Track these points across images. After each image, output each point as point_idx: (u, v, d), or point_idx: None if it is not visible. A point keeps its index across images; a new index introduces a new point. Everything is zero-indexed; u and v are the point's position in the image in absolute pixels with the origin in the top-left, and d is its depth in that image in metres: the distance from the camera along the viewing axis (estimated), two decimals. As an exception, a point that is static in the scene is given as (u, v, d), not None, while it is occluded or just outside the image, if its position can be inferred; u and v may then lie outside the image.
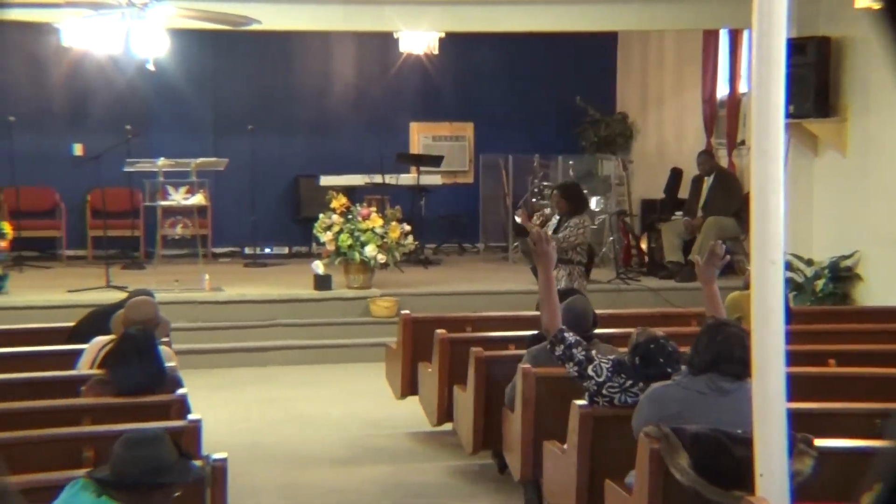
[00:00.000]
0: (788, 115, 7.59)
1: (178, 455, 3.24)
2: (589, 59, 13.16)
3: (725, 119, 11.14)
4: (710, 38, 11.22)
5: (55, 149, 11.85)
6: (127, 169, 9.68)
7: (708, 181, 10.58)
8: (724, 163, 10.98)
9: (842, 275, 8.91)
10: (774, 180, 3.23)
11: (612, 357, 4.59)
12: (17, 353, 5.65)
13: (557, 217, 7.63)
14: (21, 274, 10.23)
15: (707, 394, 3.95)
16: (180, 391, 4.58)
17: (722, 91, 11.25)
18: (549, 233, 7.43)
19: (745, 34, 10.33)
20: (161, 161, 9.56)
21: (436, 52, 11.05)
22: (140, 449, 3.15)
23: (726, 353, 3.96)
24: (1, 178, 11.05)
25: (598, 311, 5.59)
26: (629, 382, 4.41)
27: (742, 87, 10.83)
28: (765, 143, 3.23)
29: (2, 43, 11.75)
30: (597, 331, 5.37)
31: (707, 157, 10.71)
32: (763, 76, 3.22)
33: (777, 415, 3.30)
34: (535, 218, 7.90)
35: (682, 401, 3.98)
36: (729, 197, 10.30)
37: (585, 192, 8.25)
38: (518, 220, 8.09)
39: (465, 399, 5.91)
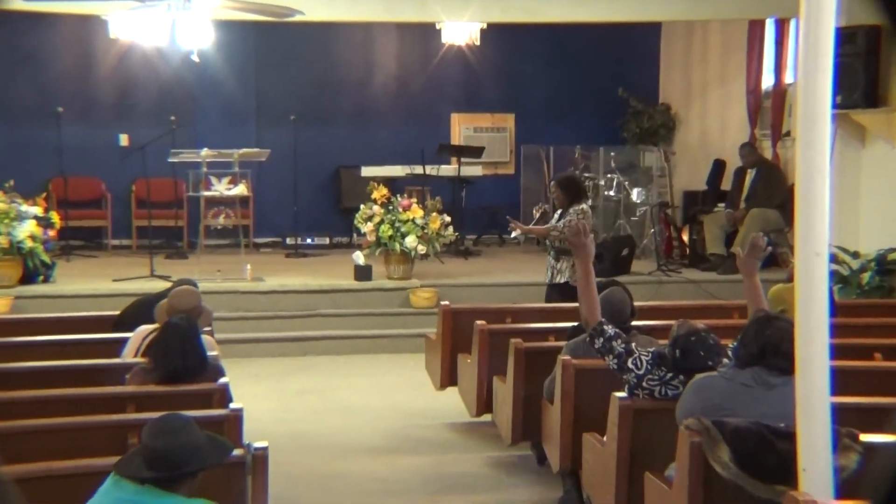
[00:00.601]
0: (836, 106, 7.50)
1: (206, 435, 3.26)
2: (632, 50, 13.07)
3: (770, 110, 11.01)
4: (756, 27, 11.09)
5: (102, 139, 12.00)
6: (171, 159, 9.78)
7: (751, 173, 10.48)
8: (768, 154, 10.86)
9: (889, 267, 8.77)
10: (820, 172, 3.18)
11: (651, 349, 4.56)
12: (65, 341, 5.74)
13: (559, 211, 7.59)
14: (68, 263, 10.39)
15: (752, 387, 3.92)
16: (222, 380, 4.62)
17: (767, 82, 11.11)
18: (552, 223, 7.49)
19: (793, 23, 10.19)
20: (204, 152, 9.64)
21: (478, 42, 11.04)
22: (172, 438, 3.15)
23: (774, 346, 3.92)
24: (49, 169, 11.21)
25: (638, 303, 5.57)
26: (669, 375, 4.38)
27: (788, 78, 10.69)
28: (810, 134, 3.18)
29: (51, 35, 11.91)
30: (637, 323, 5.35)
31: (751, 148, 10.60)
32: (810, 66, 3.18)
33: (821, 409, 3.27)
34: (534, 212, 7.86)
35: (725, 392, 3.95)
36: (773, 189, 10.19)
37: (587, 183, 8.24)
38: (514, 234, 8.07)
39: (504, 390, 5.91)
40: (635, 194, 11.32)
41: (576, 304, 4.76)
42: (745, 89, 11.30)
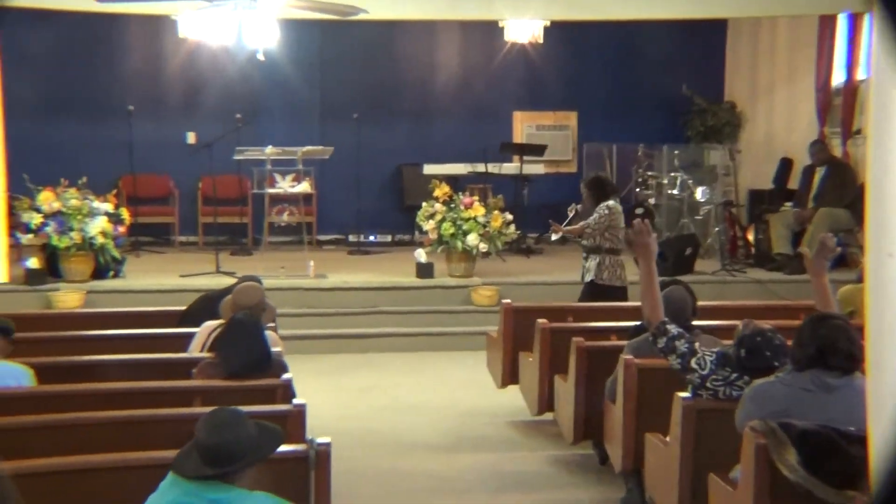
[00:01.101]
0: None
1: (256, 424, 3.24)
2: (696, 47, 12.92)
3: (840, 107, 10.80)
4: (827, 23, 10.87)
5: (170, 137, 12.21)
6: (236, 157, 9.91)
7: (820, 171, 10.30)
8: (837, 152, 10.66)
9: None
10: (892, 170, 3.11)
11: (715, 349, 4.50)
12: (133, 335, 5.86)
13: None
14: (137, 259, 10.60)
15: (813, 391, 3.84)
16: (286, 376, 4.67)
17: (838, 78, 10.90)
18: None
19: (867, 18, 9.98)
20: (269, 149, 9.75)
21: (541, 40, 10.99)
22: (227, 432, 3.14)
23: (830, 345, 3.84)
24: (120, 166, 11.44)
25: (701, 303, 5.51)
26: (734, 375, 4.32)
27: (860, 74, 10.47)
28: (883, 131, 3.11)
29: (123, 36, 12.16)
30: (700, 323, 5.29)
31: (820, 146, 10.41)
32: (884, 62, 3.10)
33: (893, 413, 3.19)
34: (568, 211, 7.84)
35: (787, 398, 3.87)
36: (843, 187, 10.00)
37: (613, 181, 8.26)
38: (553, 237, 8.03)
39: (565, 389, 5.89)
40: (699, 193, 11.19)
41: (638, 303, 4.71)
42: (815, 86, 11.09)
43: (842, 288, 6.00)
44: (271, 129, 11.91)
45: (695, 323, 5.17)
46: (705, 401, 4.38)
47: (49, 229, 8.90)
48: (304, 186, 9.99)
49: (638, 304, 4.74)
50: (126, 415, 4.17)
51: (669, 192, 11.58)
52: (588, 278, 7.45)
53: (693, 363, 4.41)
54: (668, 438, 4.63)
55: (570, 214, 7.85)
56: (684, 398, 4.43)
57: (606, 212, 7.38)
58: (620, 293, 7.43)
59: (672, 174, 11.59)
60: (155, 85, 12.34)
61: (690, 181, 11.38)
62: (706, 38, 12.87)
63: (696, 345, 4.50)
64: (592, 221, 7.40)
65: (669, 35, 12.36)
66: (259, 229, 11.13)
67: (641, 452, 4.97)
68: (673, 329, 4.52)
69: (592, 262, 7.43)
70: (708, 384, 4.37)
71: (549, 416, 6.37)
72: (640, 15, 9.94)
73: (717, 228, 10.89)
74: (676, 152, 11.80)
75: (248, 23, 8.19)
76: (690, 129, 12.98)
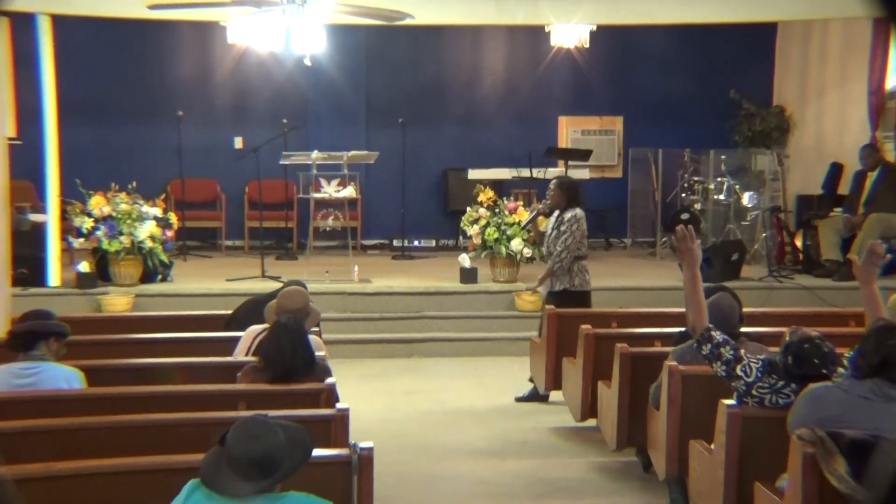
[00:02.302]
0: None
1: (283, 432, 3.14)
2: (745, 51, 12.79)
3: (894, 111, 10.63)
4: (881, 26, 10.70)
5: (218, 142, 12.35)
6: (282, 162, 9.99)
7: (872, 176, 10.13)
8: (890, 157, 10.49)
9: None
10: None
11: (762, 356, 4.45)
12: (180, 339, 5.93)
13: (556, 213, 7.43)
14: (185, 263, 10.72)
15: (871, 399, 3.78)
16: (329, 380, 4.69)
17: (892, 82, 10.72)
18: (548, 226, 7.36)
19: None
20: (315, 154, 9.81)
21: (587, 45, 10.96)
22: (261, 443, 3.05)
23: (895, 358, 3.79)
24: (169, 170, 11.59)
25: (748, 310, 5.45)
26: (781, 383, 4.27)
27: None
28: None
29: (173, 42, 12.33)
30: (747, 329, 5.24)
31: (872, 150, 10.25)
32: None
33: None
34: (531, 210, 7.73)
35: (842, 403, 3.82)
36: (895, 192, 9.83)
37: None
38: (541, 290, 7.71)
39: (609, 395, 5.86)
40: (746, 198, 11.08)
41: (683, 310, 4.67)
42: (868, 90, 10.93)
43: (892, 296, 5.89)
44: (317, 134, 12.01)
45: (742, 330, 5.12)
46: (751, 408, 4.33)
47: (100, 233, 9.04)
48: (350, 191, 10.05)
49: (682, 309, 4.70)
50: (172, 417, 4.21)
51: (716, 197, 11.48)
52: (560, 287, 7.31)
53: (738, 370, 4.37)
54: (712, 446, 4.58)
55: (532, 214, 7.75)
56: (729, 405, 4.38)
57: (576, 225, 7.27)
58: (588, 297, 7.43)
59: (718, 179, 11.49)
60: (204, 90, 12.49)
61: (737, 186, 11.28)
62: (755, 41, 12.74)
63: (742, 352, 4.46)
64: (569, 242, 7.20)
65: (717, 38, 12.25)
66: (304, 234, 11.22)
67: (685, 460, 4.93)
68: (718, 336, 4.48)
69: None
70: (754, 391, 4.32)
71: (592, 422, 6.34)
72: (688, 19, 9.85)
73: (764, 234, 10.76)
74: (723, 157, 11.69)
75: (295, 28, 8.27)
76: (738, 133, 12.86)
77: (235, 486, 3.03)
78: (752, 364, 4.36)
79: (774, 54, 13.15)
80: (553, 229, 7.34)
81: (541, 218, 7.72)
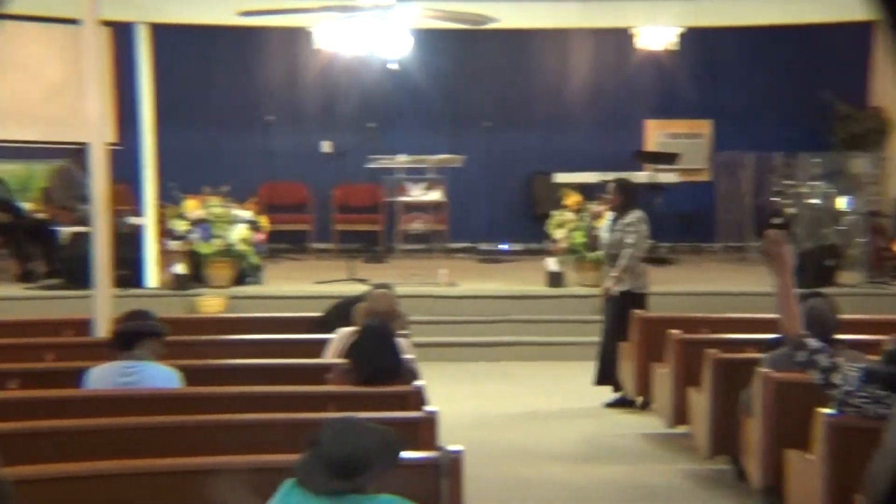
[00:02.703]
0: None
1: (377, 434, 3.14)
2: (840, 52, 12.46)
3: None
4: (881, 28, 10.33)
5: (306, 146, 12.52)
6: (369, 165, 10.09)
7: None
8: None
9: None
10: None
11: (861, 365, 4.33)
12: (271, 340, 6.03)
13: (613, 215, 7.33)
14: (275, 265, 10.90)
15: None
16: (417, 382, 4.71)
17: None
18: (603, 229, 7.20)
19: None
20: (401, 158, 9.89)
21: (674, 47, 10.82)
22: (356, 442, 3.06)
23: None
24: (259, 174, 11.80)
25: (845, 316, 5.31)
26: (883, 392, 4.15)
27: None
28: None
29: (263, 48, 12.56)
30: (843, 336, 5.11)
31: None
32: None
33: None
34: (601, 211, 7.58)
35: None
36: None
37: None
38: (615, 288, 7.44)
39: (700, 402, 5.77)
40: (842, 202, 10.80)
41: (776, 315, 4.58)
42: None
43: None
44: (404, 138, 12.10)
45: (838, 337, 4.99)
46: (851, 418, 4.22)
47: (194, 236, 9.25)
48: (436, 195, 10.11)
49: (774, 315, 4.61)
50: (263, 418, 4.29)
51: (809, 201, 11.22)
52: (623, 288, 7.23)
53: (836, 378, 4.26)
54: (809, 456, 4.48)
55: (606, 216, 7.51)
56: (828, 415, 4.28)
57: (644, 226, 7.23)
58: (647, 300, 7.39)
59: (812, 183, 11.23)
60: (292, 95, 12.69)
61: (832, 190, 11.00)
62: (850, 41, 12.40)
63: (839, 360, 4.35)
64: (637, 240, 7.18)
65: (809, 38, 11.97)
66: (391, 237, 11.30)
67: (780, 469, 4.83)
68: (813, 343, 4.38)
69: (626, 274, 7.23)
70: (852, 400, 4.21)
71: (682, 428, 6.26)
72: (778, 20, 9.66)
73: (861, 239, 10.48)
74: (817, 160, 11.42)
75: (381, 33, 8.35)
76: (833, 136, 12.54)
77: (328, 484, 3.06)
78: (850, 372, 4.25)
79: (870, 54, 12.79)
80: (616, 231, 7.25)
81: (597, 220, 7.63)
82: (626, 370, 7.06)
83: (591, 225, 7.40)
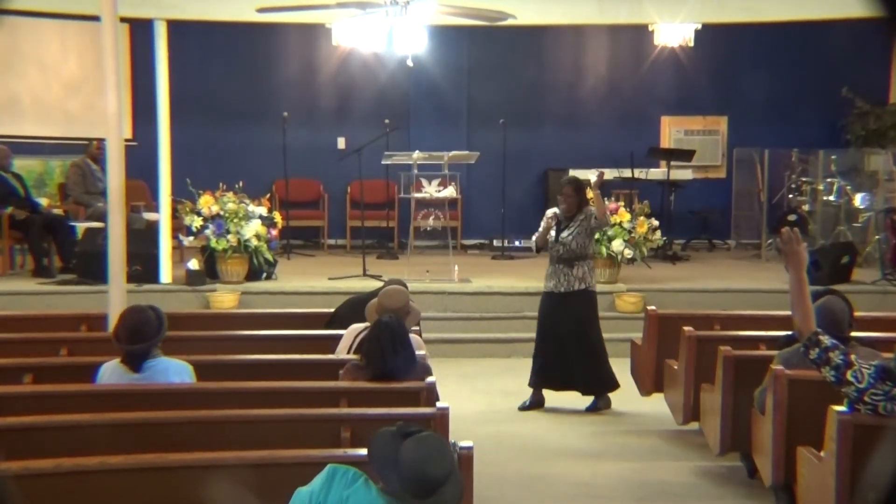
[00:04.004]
0: None
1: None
2: (858, 48, 12.38)
3: None
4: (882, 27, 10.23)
5: (322, 142, 12.55)
6: (384, 162, 10.09)
7: None
8: None
9: None
10: None
11: (874, 363, 4.31)
12: (284, 336, 6.05)
13: (559, 212, 7.19)
14: (289, 261, 10.93)
15: None
16: (430, 379, 4.71)
17: None
18: (556, 231, 7.08)
19: None
20: (416, 154, 9.89)
21: (691, 43, 10.78)
22: (443, 467, 2.87)
23: None
24: (274, 170, 11.83)
25: (860, 314, 5.29)
26: (896, 390, 4.12)
27: None
28: None
29: (280, 44, 12.59)
30: (858, 334, 5.09)
31: None
32: None
33: None
34: (549, 219, 7.22)
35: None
36: None
37: None
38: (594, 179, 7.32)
39: (712, 399, 5.76)
40: (859, 199, 10.75)
41: (789, 313, 4.56)
42: None
43: None
44: (419, 135, 12.11)
45: (852, 334, 4.97)
46: (864, 416, 4.20)
47: (208, 232, 9.28)
48: (450, 191, 10.09)
49: (788, 312, 4.59)
50: (276, 413, 4.30)
51: (825, 198, 11.17)
52: (581, 287, 7.16)
53: (849, 376, 4.23)
54: (822, 453, 4.46)
55: (551, 223, 7.19)
56: (841, 412, 4.25)
57: (594, 222, 7.20)
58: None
59: (829, 180, 11.18)
60: (308, 91, 12.72)
61: (849, 187, 10.95)
62: (869, 36, 12.30)
63: (853, 357, 4.32)
64: (592, 239, 7.22)
65: (827, 34, 11.91)
66: (405, 233, 11.31)
67: (793, 466, 4.81)
68: (826, 340, 4.35)
69: (582, 270, 7.16)
70: (866, 398, 4.19)
71: (694, 425, 6.24)
72: (798, 16, 9.59)
73: (877, 236, 10.43)
74: (834, 157, 11.36)
75: (398, 30, 8.36)
76: (850, 132, 12.47)
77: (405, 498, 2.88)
78: (864, 370, 4.22)
79: (891, 50, 12.69)
80: (572, 228, 7.13)
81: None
82: (638, 367, 7.05)
83: (548, 224, 7.21)
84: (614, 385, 7.26)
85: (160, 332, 4.61)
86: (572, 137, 12.79)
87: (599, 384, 7.26)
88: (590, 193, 7.33)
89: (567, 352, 7.19)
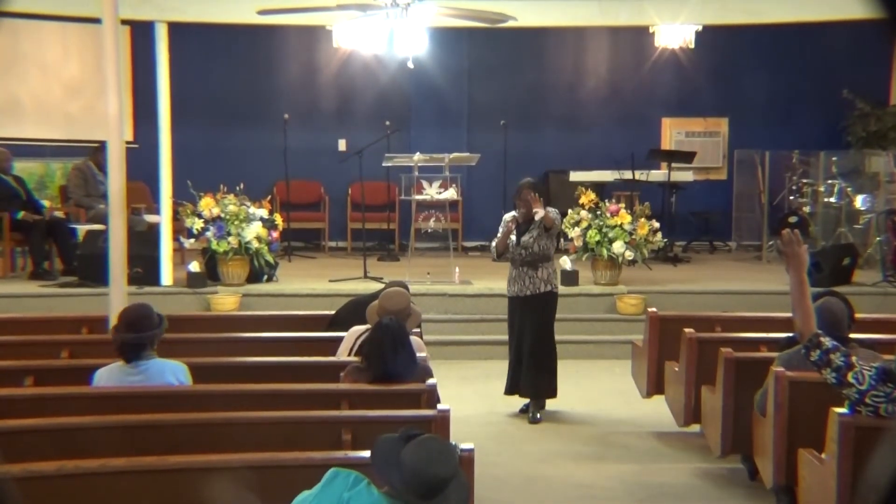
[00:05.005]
0: None
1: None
2: (859, 50, 12.38)
3: None
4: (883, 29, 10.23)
5: (322, 144, 12.56)
6: (385, 164, 10.09)
7: None
8: None
9: None
10: None
11: (876, 364, 4.31)
12: (285, 338, 6.05)
13: (516, 215, 7.13)
14: (289, 263, 10.93)
15: None
16: (430, 381, 4.72)
17: None
18: (516, 235, 7.03)
19: None
20: (417, 156, 9.89)
21: (692, 45, 10.78)
22: (447, 469, 2.85)
23: None
24: (274, 172, 11.83)
25: (861, 315, 5.29)
26: (898, 392, 4.12)
27: None
28: None
29: (280, 46, 12.59)
30: (859, 336, 5.09)
31: None
32: None
33: None
34: (510, 223, 7.14)
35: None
36: None
37: None
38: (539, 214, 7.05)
39: (713, 400, 5.76)
40: (860, 201, 10.75)
41: (790, 314, 4.56)
42: None
43: None
44: (420, 137, 12.12)
45: (852, 336, 4.97)
46: (865, 417, 4.20)
47: (209, 234, 9.28)
48: (451, 193, 10.09)
49: (789, 314, 4.59)
50: (276, 415, 4.30)
51: (826, 200, 11.17)
52: (546, 289, 7.12)
53: (850, 377, 4.23)
54: (823, 455, 4.46)
55: (511, 227, 7.12)
56: (842, 414, 4.26)
57: (559, 215, 7.22)
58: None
59: (829, 181, 11.18)
60: (309, 93, 12.73)
61: (850, 189, 10.95)
62: (870, 38, 12.31)
63: (854, 358, 4.32)
64: (559, 220, 7.22)
65: (828, 36, 11.92)
66: (406, 235, 11.31)
67: (794, 468, 4.82)
68: (827, 342, 4.35)
69: (546, 272, 7.13)
70: (867, 400, 4.19)
71: (695, 427, 6.24)
72: (799, 17, 9.59)
73: (878, 238, 10.43)
74: (834, 159, 11.37)
75: (399, 31, 8.36)
76: (851, 134, 12.47)
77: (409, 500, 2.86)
78: (865, 371, 4.22)
79: (892, 52, 12.69)
80: (533, 231, 7.09)
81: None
82: (639, 369, 7.05)
83: (508, 228, 7.14)
84: (552, 393, 7.15)
85: (159, 328, 4.65)
86: (573, 139, 12.79)
87: (539, 389, 7.13)
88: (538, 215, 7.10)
89: (523, 353, 7.16)
